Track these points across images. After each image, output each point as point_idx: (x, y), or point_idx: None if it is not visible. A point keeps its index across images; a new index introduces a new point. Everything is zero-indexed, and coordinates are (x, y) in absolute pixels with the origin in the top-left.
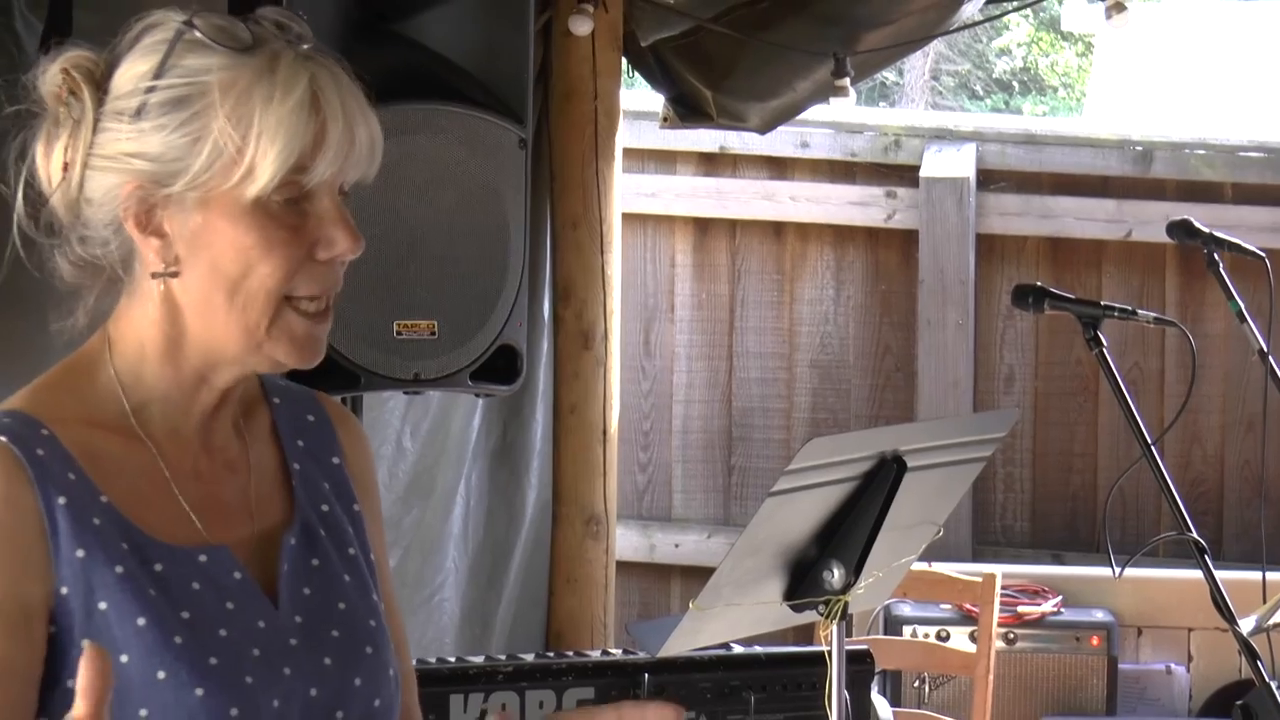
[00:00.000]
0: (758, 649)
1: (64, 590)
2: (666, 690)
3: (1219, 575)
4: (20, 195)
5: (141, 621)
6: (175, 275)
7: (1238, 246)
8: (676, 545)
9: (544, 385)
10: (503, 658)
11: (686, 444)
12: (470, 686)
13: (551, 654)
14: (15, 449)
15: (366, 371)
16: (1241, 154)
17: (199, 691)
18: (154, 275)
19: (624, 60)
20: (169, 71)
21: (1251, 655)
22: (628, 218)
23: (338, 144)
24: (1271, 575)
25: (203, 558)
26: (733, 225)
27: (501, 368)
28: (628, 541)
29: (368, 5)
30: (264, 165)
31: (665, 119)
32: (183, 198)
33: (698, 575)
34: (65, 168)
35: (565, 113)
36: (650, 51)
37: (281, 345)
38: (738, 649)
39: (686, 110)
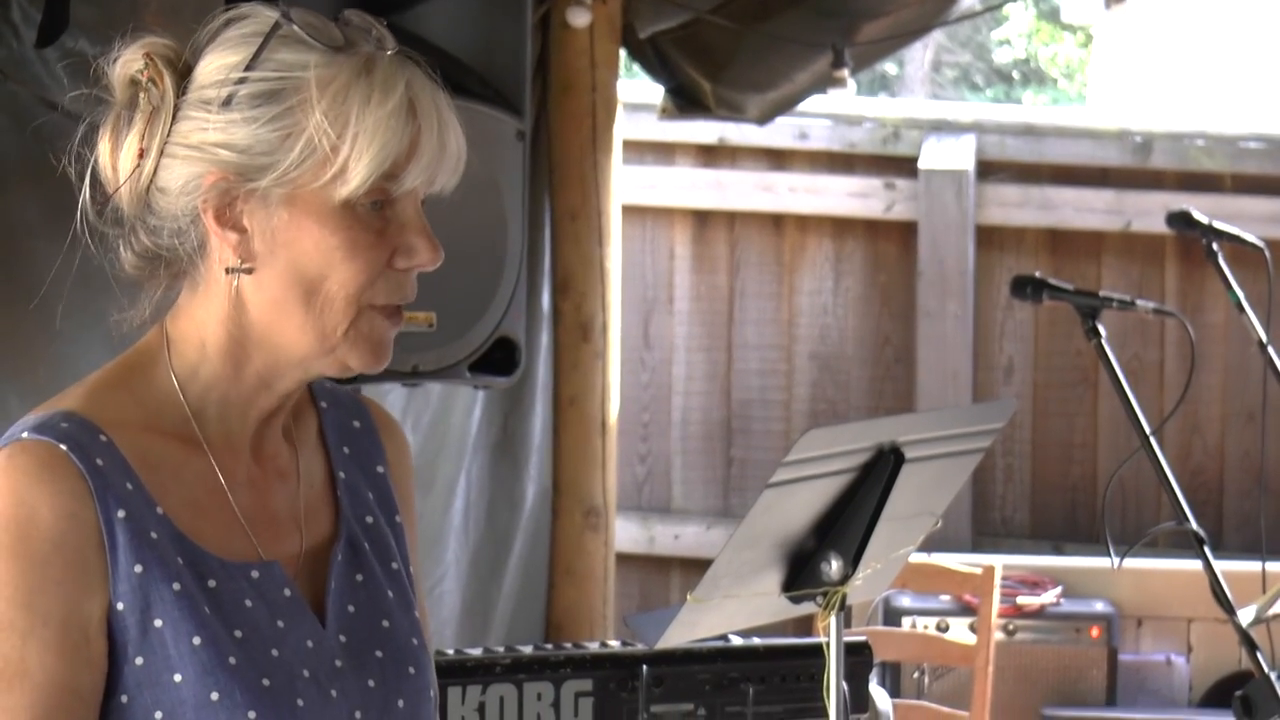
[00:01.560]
0: (756, 641)
1: (120, 606)
2: (664, 682)
3: (1219, 566)
4: (87, 182)
5: (197, 641)
6: (250, 271)
7: (1237, 237)
8: (676, 537)
9: (543, 377)
10: (501, 650)
11: (686, 436)
12: (468, 679)
13: (550, 646)
14: (75, 458)
15: None
16: (1241, 144)
17: (252, 714)
18: (228, 270)
19: (622, 52)
20: (262, 64)
21: (1251, 646)
22: (626, 210)
23: (431, 152)
24: (1271, 566)
25: (255, 574)
26: (731, 217)
27: (500, 360)
28: (627, 533)
29: None
30: (358, 167)
31: (664, 110)
32: (268, 193)
33: (697, 567)
34: (140, 154)
35: (563, 105)
36: (648, 43)
37: (357, 349)
38: (736, 641)
39: (685, 102)
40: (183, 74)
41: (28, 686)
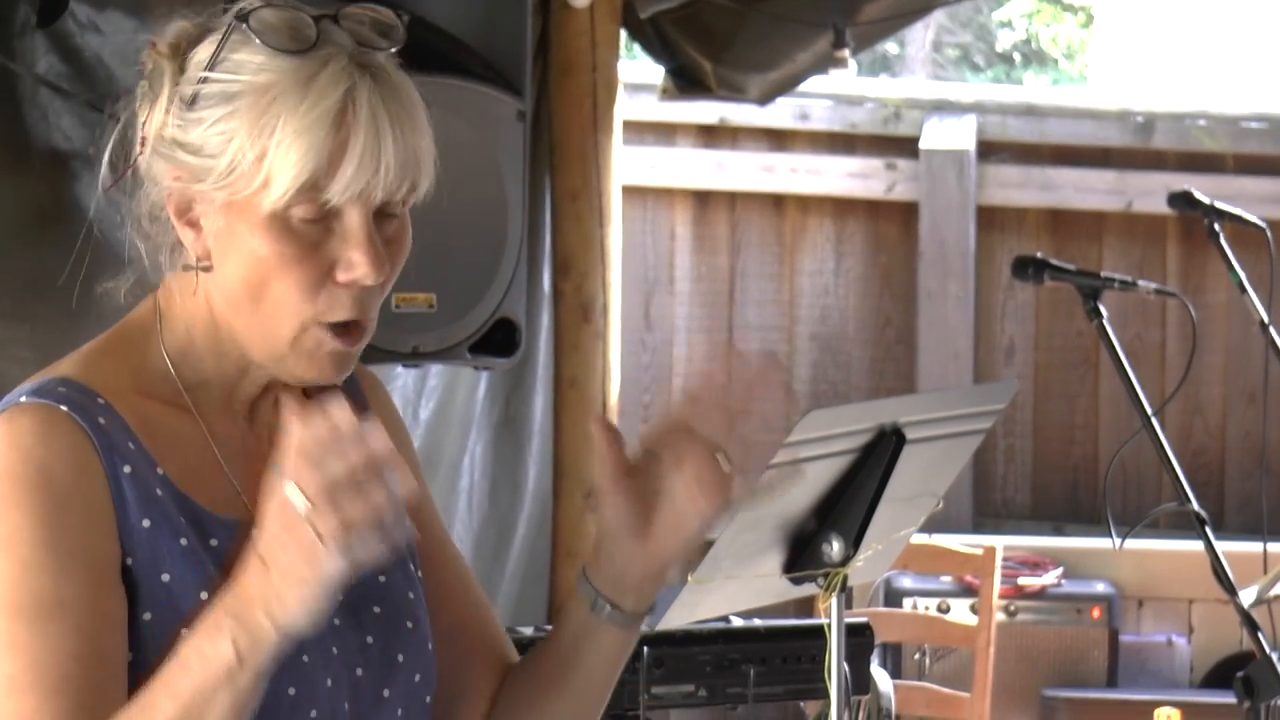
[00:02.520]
0: (757, 622)
1: (129, 561)
2: (665, 663)
3: (1220, 547)
4: (106, 159)
5: (204, 595)
6: (208, 269)
7: (1239, 217)
8: None
9: (544, 359)
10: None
11: None
12: None
13: (552, 627)
14: (78, 417)
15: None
16: (1243, 124)
17: None
18: (185, 267)
19: (623, 32)
20: (219, 64)
21: (1252, 627)
22: (627, 190)
23: (359, 161)
24: (1272, 547)
25: (255, 532)
26: (732, 197)
27: (500, 340)
28: None
29: None
30: (279, 177)
31: (664, 91)
32: (211, 196)
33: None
34: (143, 142)
35: (564, 85)
36: (649, 23)
37: (302, 363)
38: (737, 622)
39: (686, 82)
40: (181, 65)
41: (68, 614)
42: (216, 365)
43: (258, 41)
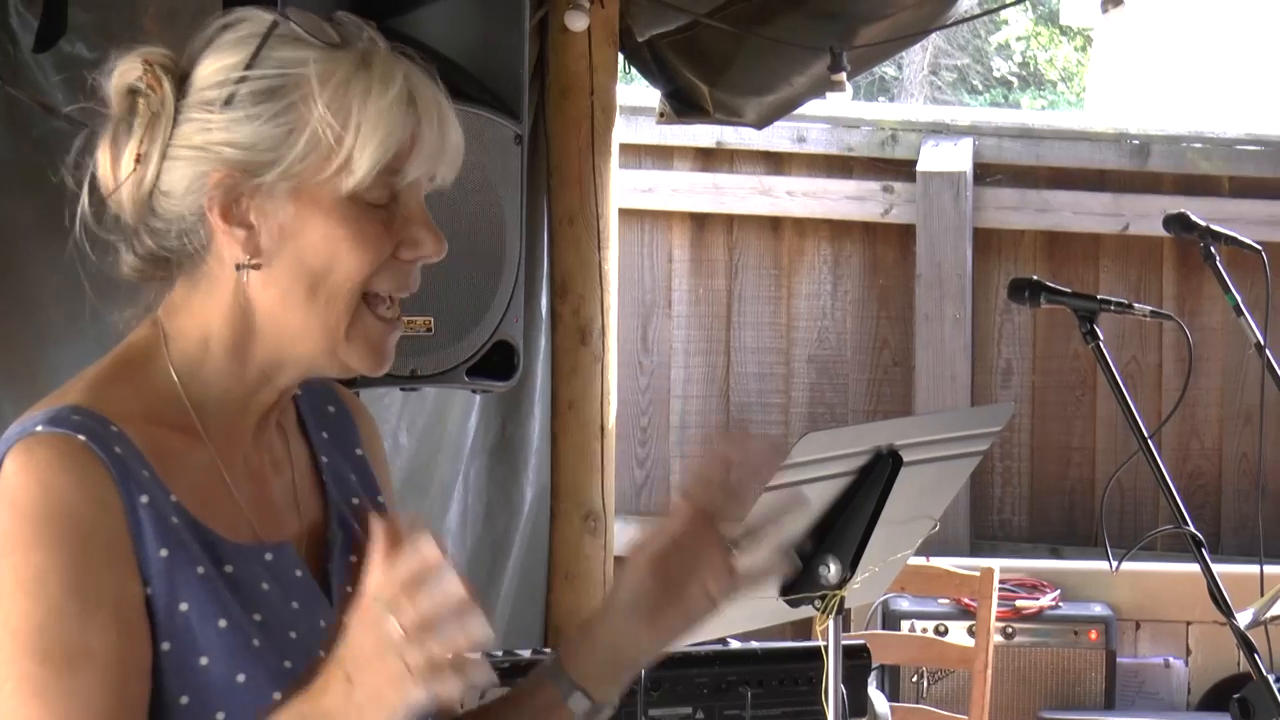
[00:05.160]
0: (755, 644)
1: (148, 591)
2: (663, 685)
3: (1216, 569)
4: (86, 189)
5: (223, 624)
6: (257, 267)
7: (1235, 240)
8: None
9: (541, 381)
10: (499, 653)
11: (684, 439)
12: None
13: (549, 650)
14: (95, 448)
15: None
16: (1239, 147)
17: (276, 695)
18: (238, 267)
19: (620, 56)
20: (261, 63)
21: (1249, 649)
22: (625, 213)
23: (433, 143)
24: (1269, 568)
25: (269, 556)
26: (730, 220)
27: (498, 364)
28: (626, 537)
29: (362, 0)
30: (362, 158)
31: (662, 114)
32: (274, 188)
33: None
34: (138, 159)
35: (562, 108)
36: (647, 47)
37: (356, 349)
38: (735, 644)
39: (683, 105)
40: (180, 79)
41: (96, 665)
42: (236, 375)
43: (302, 35)
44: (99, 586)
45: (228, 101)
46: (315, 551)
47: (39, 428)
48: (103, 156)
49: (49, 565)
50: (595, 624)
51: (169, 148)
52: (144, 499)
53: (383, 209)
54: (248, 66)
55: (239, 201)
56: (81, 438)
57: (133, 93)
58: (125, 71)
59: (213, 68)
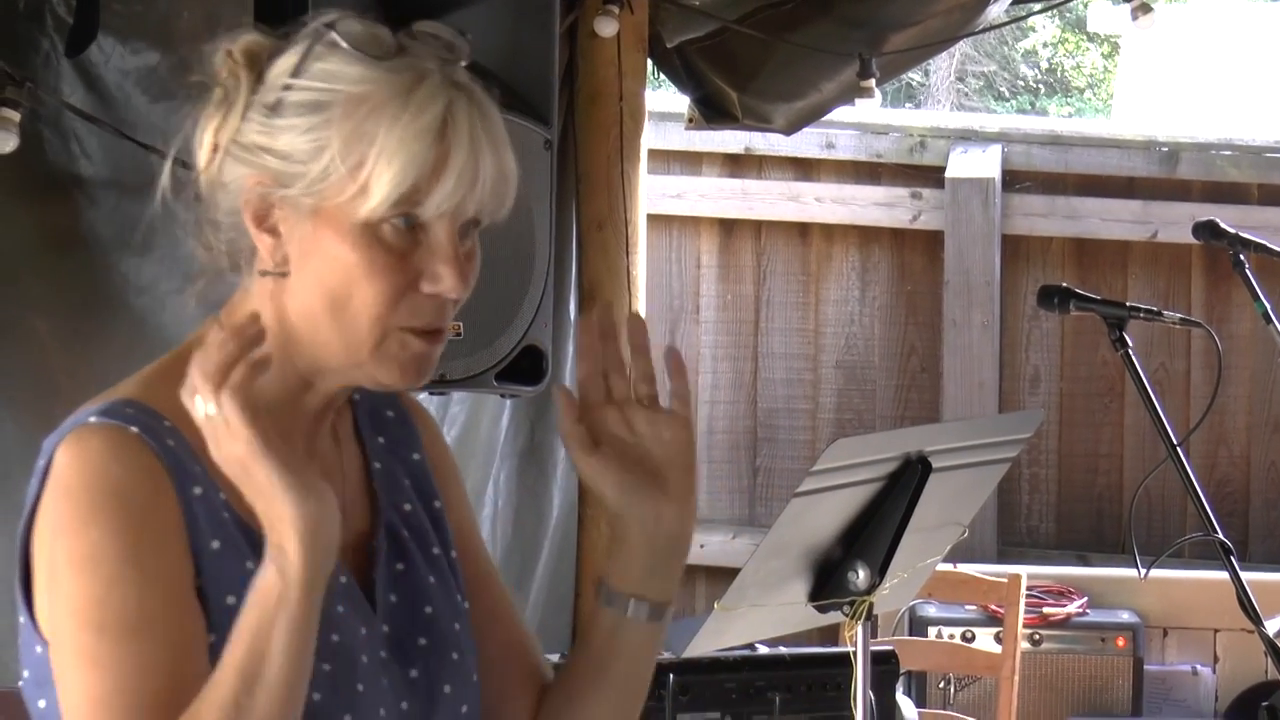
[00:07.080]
0: (783, 650)
1: (200, 581)
2: (691, 691)
3: (1245, 576)
4: (169, 167)
5: None
6: (284, 275)
7: (1264, 247)
8: (701, 546)
9: (570, 387)
10: None
11: (711, 445)
12: None
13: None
14: (148, 439)
15: None
16: (1268, 154)
17: (316, 696)
18: (262, 273)
19: (649, 62)
20: (304, 72)
21: (1277, 656)
22: (653, 219)
23: (458, 177)
24: None
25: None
26: (758, 226)
27: (527, 368)
28: None
29: (392, 7)
30: (378, 186)
31: (690, 120)
32: (298, 202)
33: (722, 576)
34: (214, 149)
35: (591, 114)
36: (676, 53)
37: (385, 367)
38: (763, 650)
39: (712, 111)
40: (260, 74)
41: (156, 634)
42: (280, 380)
43: (346, 49)
44: (155, 560)
45: (275, 107)
46: (361, 559)
47: (92, 419)
48: (197, 135)
49: (104, 541)
50: (616, 539)
51: (232, 143)
52: (197, 490)
53: (407, 238)
54: (294, 74)
55: (270, 210)
56: (134, 429)
57: (222, 79)
58: (220, 56)
59: (277, 68)
